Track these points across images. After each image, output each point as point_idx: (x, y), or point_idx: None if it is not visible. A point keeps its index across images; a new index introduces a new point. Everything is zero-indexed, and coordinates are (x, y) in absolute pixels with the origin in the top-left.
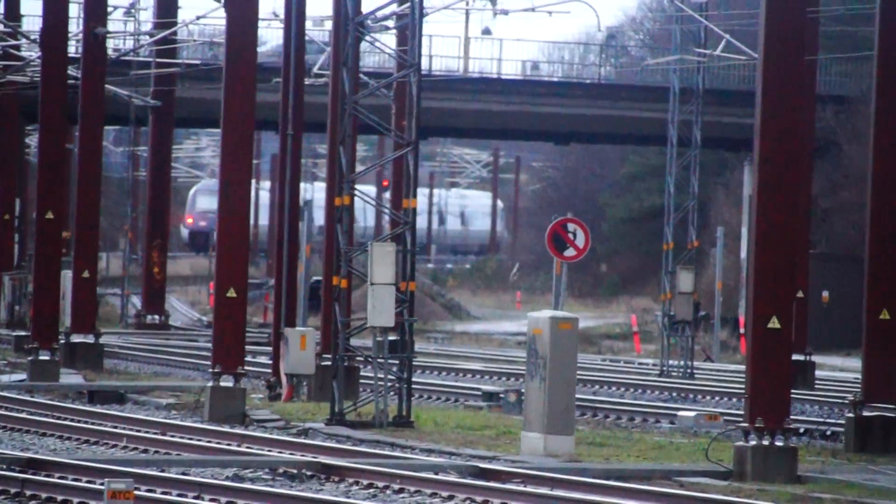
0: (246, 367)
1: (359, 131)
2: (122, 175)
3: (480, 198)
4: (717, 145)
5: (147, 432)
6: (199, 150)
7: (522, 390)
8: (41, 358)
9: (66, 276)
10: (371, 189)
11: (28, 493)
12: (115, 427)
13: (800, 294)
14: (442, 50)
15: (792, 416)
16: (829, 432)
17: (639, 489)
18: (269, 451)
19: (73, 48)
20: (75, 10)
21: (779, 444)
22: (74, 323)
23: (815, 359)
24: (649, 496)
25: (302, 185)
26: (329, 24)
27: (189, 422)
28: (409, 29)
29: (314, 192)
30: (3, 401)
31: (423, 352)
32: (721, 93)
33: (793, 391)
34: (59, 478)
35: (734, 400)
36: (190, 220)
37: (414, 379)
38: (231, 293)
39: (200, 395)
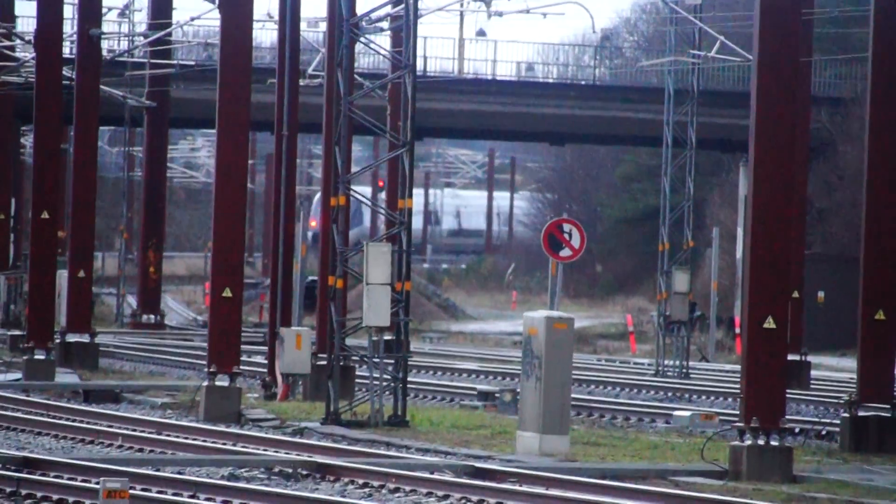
0: (241, 367)
1: (354, 132)
2: (118, 175)
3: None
4: (712, 146)
5: (142, 432)
6: (195, 150)
7: (518, 390)
8: (37, 357)
9: (62, 275)
10: (367, 189)
11: (24, 492)
12: (111, 426)
13: (795, 294)
14: (437, 51)
15: (787, 416)
16: (824, 432)
17: (634, 489)
18: (265, 450)
19: (68, 49)
20: (70, 12)
21: (774, 443)
22: (70, 322)
23: (811, 359)
24: (645, 496)
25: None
26: (323, 26)
27: (184, 421)
28: (404, 30)
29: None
30: None
31: (419, 351)
32: (716, 94)
33: (788, 391)
34: (55, 477)
35: (730, 400)
36: (313, 224)
37: (409, 379)
38: (227, 293)
39: (196, 395)
